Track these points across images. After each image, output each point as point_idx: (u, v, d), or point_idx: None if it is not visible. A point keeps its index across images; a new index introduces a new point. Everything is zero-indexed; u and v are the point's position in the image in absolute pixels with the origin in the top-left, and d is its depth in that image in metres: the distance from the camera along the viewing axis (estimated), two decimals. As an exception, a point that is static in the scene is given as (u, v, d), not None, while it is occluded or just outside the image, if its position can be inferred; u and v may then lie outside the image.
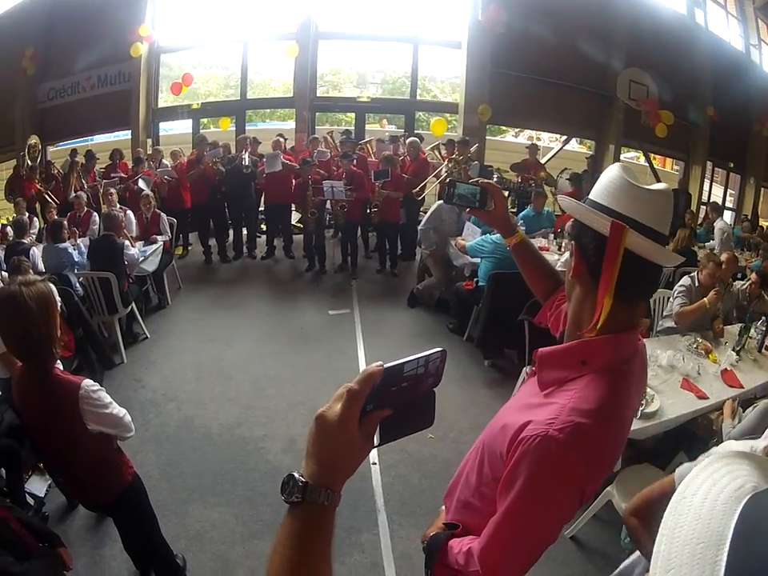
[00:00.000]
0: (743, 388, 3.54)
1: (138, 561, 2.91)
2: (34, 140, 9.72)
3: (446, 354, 0.84)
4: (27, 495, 3.30)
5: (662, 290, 4.94)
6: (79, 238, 5.99)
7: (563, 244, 6.06)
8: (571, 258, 1.27)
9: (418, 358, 0.81)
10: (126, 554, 2.90)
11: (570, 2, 10.25)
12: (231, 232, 8.62)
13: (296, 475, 0.81)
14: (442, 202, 6.82)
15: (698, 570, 0.48)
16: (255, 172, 7.92)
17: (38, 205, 8.11)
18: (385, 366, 0.80)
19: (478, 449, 1.45)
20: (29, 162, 9.23)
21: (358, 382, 0.79)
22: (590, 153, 11.53)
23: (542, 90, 10.75)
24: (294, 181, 7.85)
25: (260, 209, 8.89)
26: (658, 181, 11.24)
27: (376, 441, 0.84)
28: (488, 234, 5.51)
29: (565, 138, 12.26)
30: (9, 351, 2.13)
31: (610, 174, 1.20)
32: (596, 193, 1.22)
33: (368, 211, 7.81)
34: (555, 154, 11.78)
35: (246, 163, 7.70)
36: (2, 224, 7.03)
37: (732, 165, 12.29)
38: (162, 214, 6.80)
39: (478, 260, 5.61)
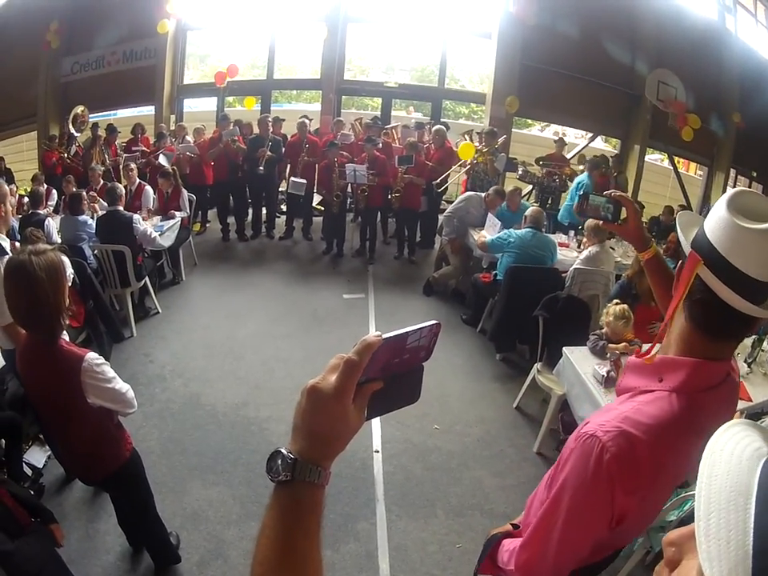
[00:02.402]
0: (751, 401, 3.44)
1: (132, 537, 2.91)
2: (80, 108, 9.63)
3: (441, 327, 0.84)
4: (25, 466, 3.31)
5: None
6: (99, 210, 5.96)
7: (582, 242, 5.96)
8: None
9: (420, 328, 0.79)
10: (121, 530, 2.90)
11: (600, 1, 10.07)
12: (250, 210, 8.57)
13: (284, 451, 0.76)
14: (472, 193, 6.76)
15: (733, 514, 0.53)
16: (279, 154, 7.88)
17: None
18: (384, 336, 0.76)
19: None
20: (72, 131, 9.26)
21: (357, 353, 0.75)
22: (616, 152, 11.37)
23: (570, 85, 10.60)
24: (317, 165, 7.82)
25: (281, 189, 8.84)
26: (681, 185, 11.17)
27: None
28: (511, 229, 5.42)
29: (591, 135, 12.08)
30: (15, 320, 2.13)
31: (719, 204, 1.14)
32: (707, 218, 1.19)
33: (389, 197, 7.71)
34: (581, 151, 11.63)
35: (261, 167, 7.65)
36: (20, 195, 7.07)
37: (755, 174, 12.04)
38: (184, 190, 6.80)
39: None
